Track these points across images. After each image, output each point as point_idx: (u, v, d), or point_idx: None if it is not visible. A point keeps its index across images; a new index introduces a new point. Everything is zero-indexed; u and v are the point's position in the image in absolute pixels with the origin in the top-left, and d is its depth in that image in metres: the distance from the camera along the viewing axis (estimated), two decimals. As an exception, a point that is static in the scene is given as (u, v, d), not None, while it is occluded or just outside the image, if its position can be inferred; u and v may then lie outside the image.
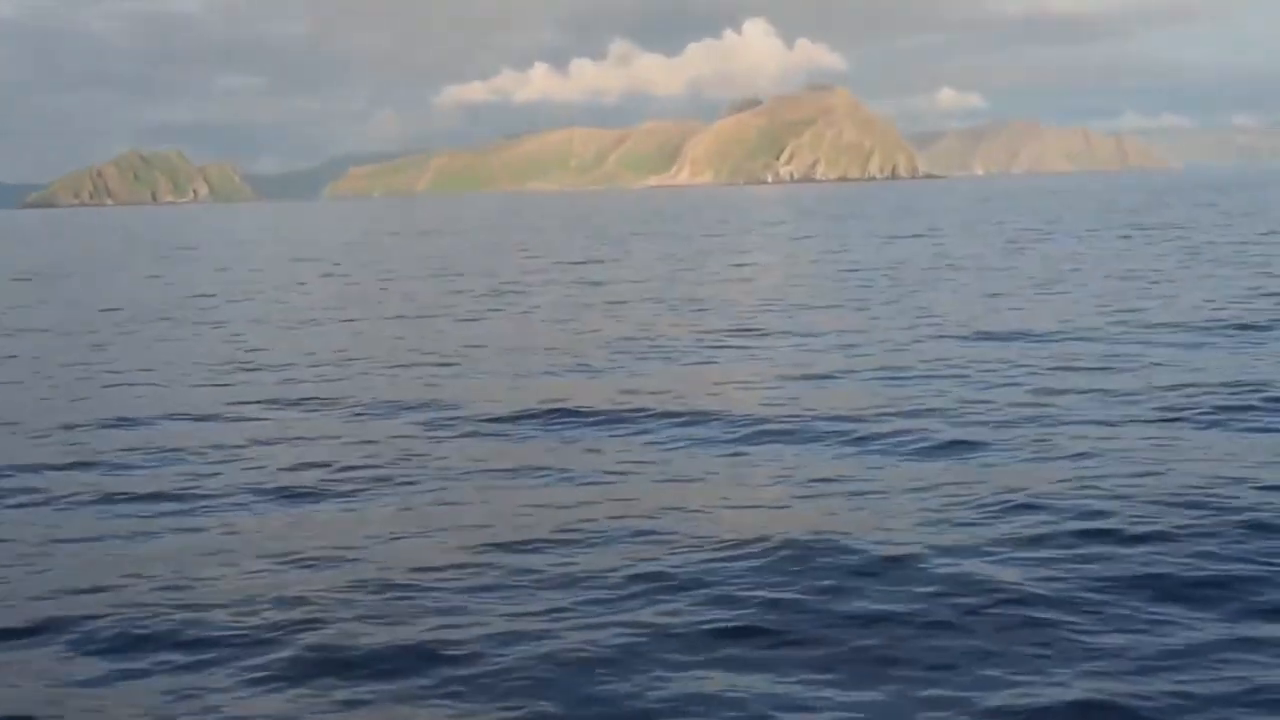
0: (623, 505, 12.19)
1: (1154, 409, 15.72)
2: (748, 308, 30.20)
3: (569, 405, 17.47)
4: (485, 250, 66.52)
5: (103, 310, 35.82)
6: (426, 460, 14.55)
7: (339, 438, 16.01)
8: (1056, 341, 22.11)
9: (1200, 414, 15.33)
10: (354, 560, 10.68)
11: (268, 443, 15.77)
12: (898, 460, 13.79)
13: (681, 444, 15.09)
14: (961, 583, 9.65)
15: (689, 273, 43.29)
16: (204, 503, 12.91)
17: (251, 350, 25.11)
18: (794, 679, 8.10)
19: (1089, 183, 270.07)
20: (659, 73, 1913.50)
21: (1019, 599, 9.30)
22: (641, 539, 11.07)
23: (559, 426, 16.35)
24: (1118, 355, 20.18)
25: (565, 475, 13.67)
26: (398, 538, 11.38)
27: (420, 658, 8.53)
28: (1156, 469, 12.73)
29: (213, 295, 40.12)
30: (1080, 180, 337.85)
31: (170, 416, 17.85)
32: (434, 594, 9.74)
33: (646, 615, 9.16)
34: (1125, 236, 55.63)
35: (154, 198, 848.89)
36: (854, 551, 10.41)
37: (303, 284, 44.66)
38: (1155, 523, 10.89)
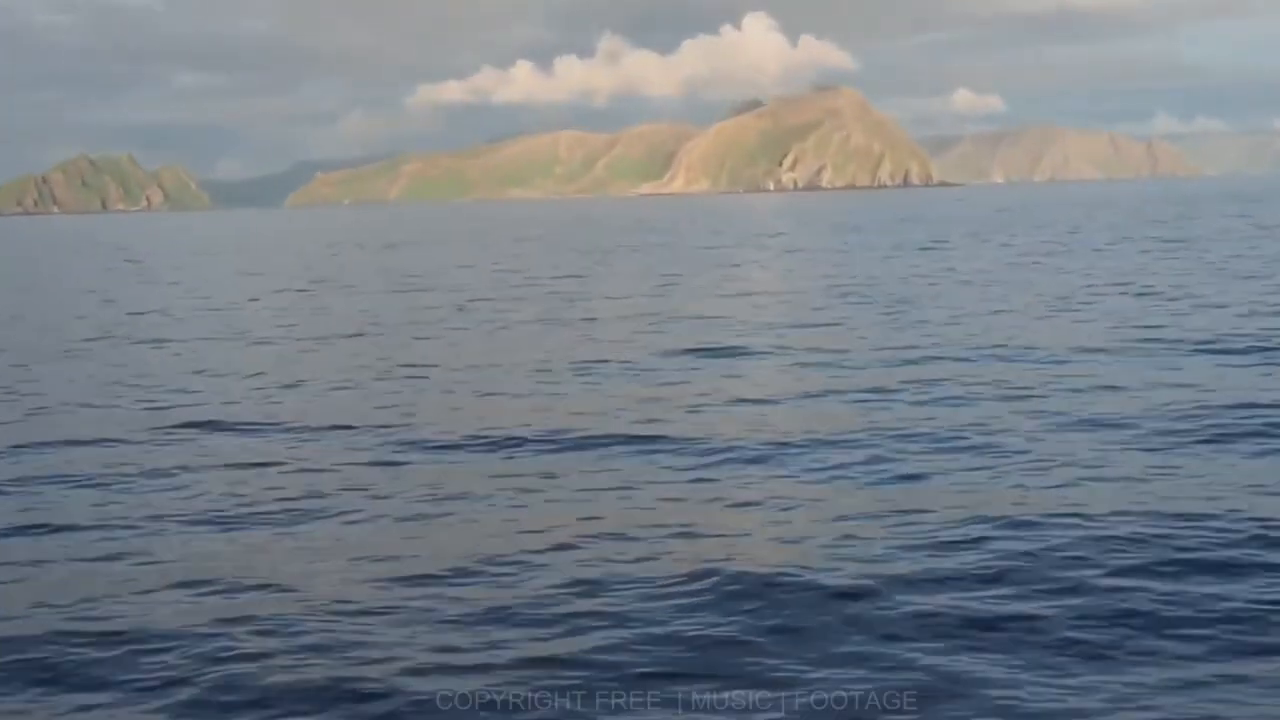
0: (568, 533, 12.33)
1: (1148, 433, 15.94)
2: (732, 326, 30.38)
3: (525, 428, 17.62)
4: (456, 263, 66.72)
5: (36, 329, 35.89)
6: (364, 487, 14.69)
7: (274, 462, 16.13)
8: (1055, 363, 22.30)
9: (1200, 439, 15.55)
10: (274, 591, 10.81)
11: (196, 469, 15.89)
12: (867, 486, 13.96)
13: (641, 470, 15.24)
14: (922, 617, 9.81)
15: (671, 289, 43.50)
16: (121, 531, 13.04)
17: (191, 371, 25.21)
18: None
19: (1114, 191, 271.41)
20: (652, 72, 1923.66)
21: (986, 634, 9.47)
22: (584, 569, 11.20)
23: (513, 451, 16.49)
24: (1119, 377, 20.38)
25: (513, 503, 13.81)
26: (323, 568, 11.50)
27: (335, 696, 8.65)
28: (1146, 496, 12.92)
29: (154, 312, 40.23)
30: (1105, 189, 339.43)
31: (97, 440, 17.95)
32: (354, 627, 9.88)
33: (579, 652, 9.29)
34: (1145, 251, 55.99)
35: (104, 205, 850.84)
36: (809, 586, 10.56)
37: (255, 300, 44.80)
38: (1139, 555, 11.05)
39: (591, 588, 10.73)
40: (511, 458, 16.18)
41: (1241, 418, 16.65)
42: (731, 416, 18.34)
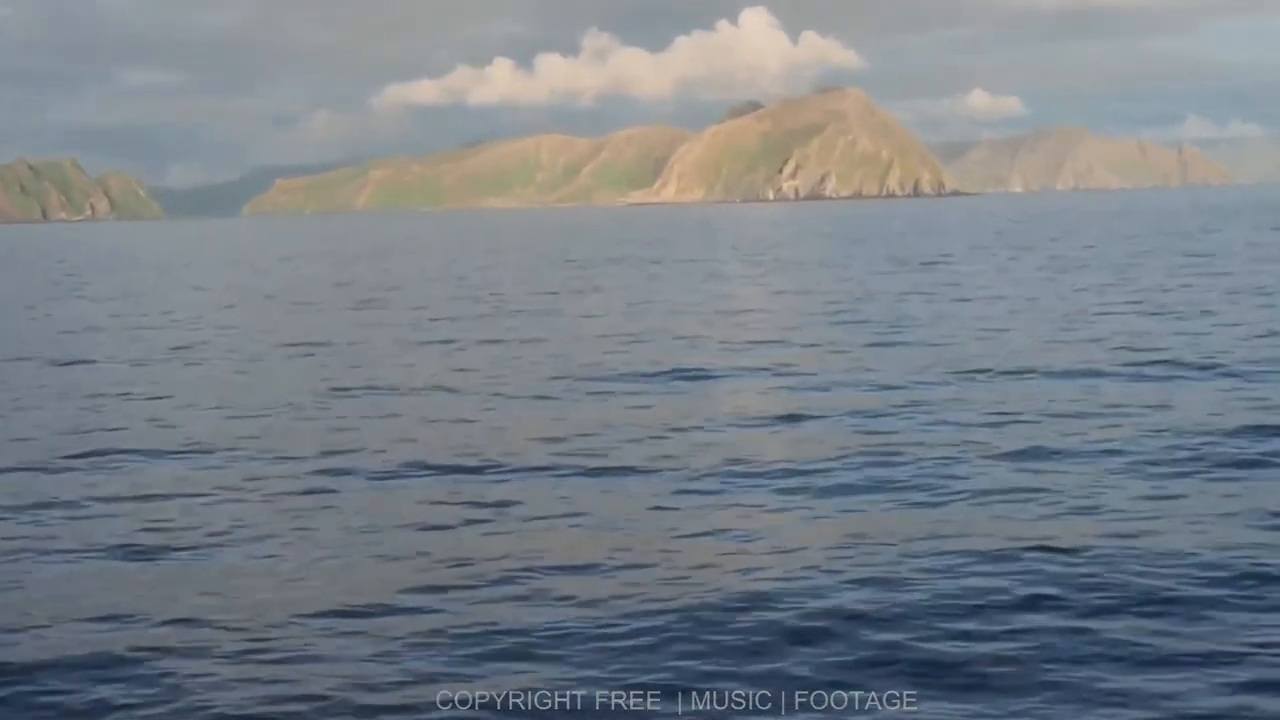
0: (505, 565, 12.50)
1: (1137, 462, 16.19)
2: (706, 347, 30.56)
3: (479, 452, 17.84)
4: (420, 278, 66.90)
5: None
6: (307, 512, 14.93)
7: (198, 492, 16.23)
8: (1054, 383, 22.54)
9: (1186, 470, 15.80)
10: (189, 626, 10.95)
11: (109, 499, 15.99)
12: (831, 515, 14.16)
13: (605, 496, 15.44)
14: (883, 651, 9.97)
15: (650, 305, 43.68)
16: (48, 557, 13.31)
17: (118, 394, 25.29)
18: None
19: (1140, 201, 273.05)
20: (642, 70, 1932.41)
21: (948, 674, 9.61)
22: (521, 606, 11.33)
23: (464, 475, 16.68)
24: (1111, 401, 20.62)
25: (450, 534, 13.95)
26: (240, 602, 11.65)
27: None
28: (1143, 528, 13.14)
29: (88, 330, 40.30)
30: (1131, 198, 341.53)
31: (5, 470, 18.04)
32: (272, 660, 10.09)
33: (508, 693, 9.40)
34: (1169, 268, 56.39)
35: (44, 214, 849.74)
36: (774, 615, 10.71)
37: (198, 317, 44.91)
38: (1113, 592, 11.22)
39: (530, 625, 10.84)
40: (458, 486, 16.30)
41: (1242, 446, 16.90)
42: (694, 442, 18.50)
